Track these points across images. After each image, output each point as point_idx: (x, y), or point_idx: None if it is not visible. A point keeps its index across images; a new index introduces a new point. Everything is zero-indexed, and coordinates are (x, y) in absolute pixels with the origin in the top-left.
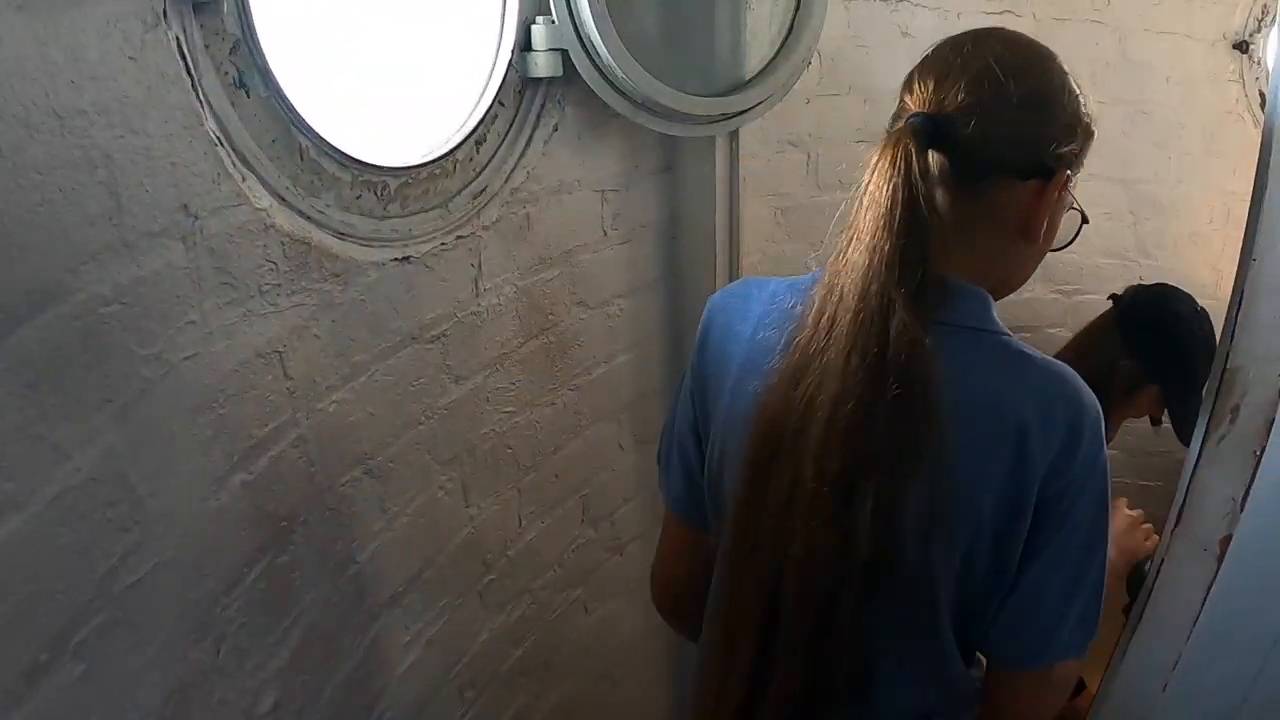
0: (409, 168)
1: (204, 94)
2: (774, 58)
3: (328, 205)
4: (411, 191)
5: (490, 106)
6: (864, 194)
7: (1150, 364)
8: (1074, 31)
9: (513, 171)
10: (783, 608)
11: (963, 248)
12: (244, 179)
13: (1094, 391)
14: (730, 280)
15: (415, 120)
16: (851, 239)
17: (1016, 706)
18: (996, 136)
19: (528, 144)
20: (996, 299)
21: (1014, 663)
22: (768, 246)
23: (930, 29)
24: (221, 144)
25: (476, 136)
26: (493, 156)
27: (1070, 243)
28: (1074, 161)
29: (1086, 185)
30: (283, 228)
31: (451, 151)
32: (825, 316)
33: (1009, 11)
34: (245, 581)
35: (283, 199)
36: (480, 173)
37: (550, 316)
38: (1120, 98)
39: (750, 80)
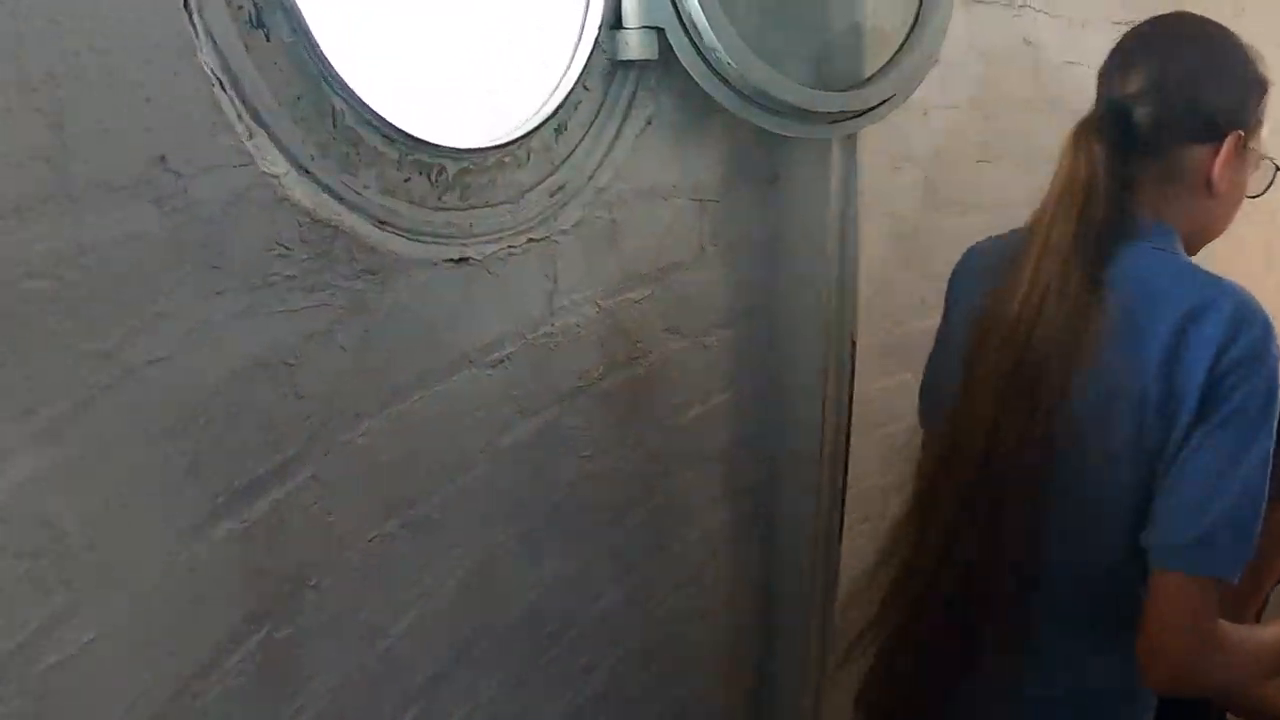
0: (472, 150)
1: (202, 20)
2: (897, 51)
3: (366, 186)
4: (474, 180)
5: (572, 90)
6: (1061, 168)
7: None
8: None
9: (598, 168)
10: (985, 478)
11: (1154, 203)
12: (251, 135)
13: None
14: (845, 308)
15: (485, 104)
16: (1049, 199)
17: (1155, 611)
18: (1171, 112)
19: (616, 136)
20: (1195, 247)
21: (1157, 555)
22: (878, 272)
23: (1053, 39)
24: (223, 87)
25: (556, 123)
26: (575, 148)
27: (1265, 190)
28: (1247, 120)
29: None
30: (301, 203)
31: (525, 137)
32: (1024, 253)
33: (1134, 23)
34: (230, 661)
35: (304, 169)
36: (559, 166)
37: (639, 344)
38: None
39: (871, 78)
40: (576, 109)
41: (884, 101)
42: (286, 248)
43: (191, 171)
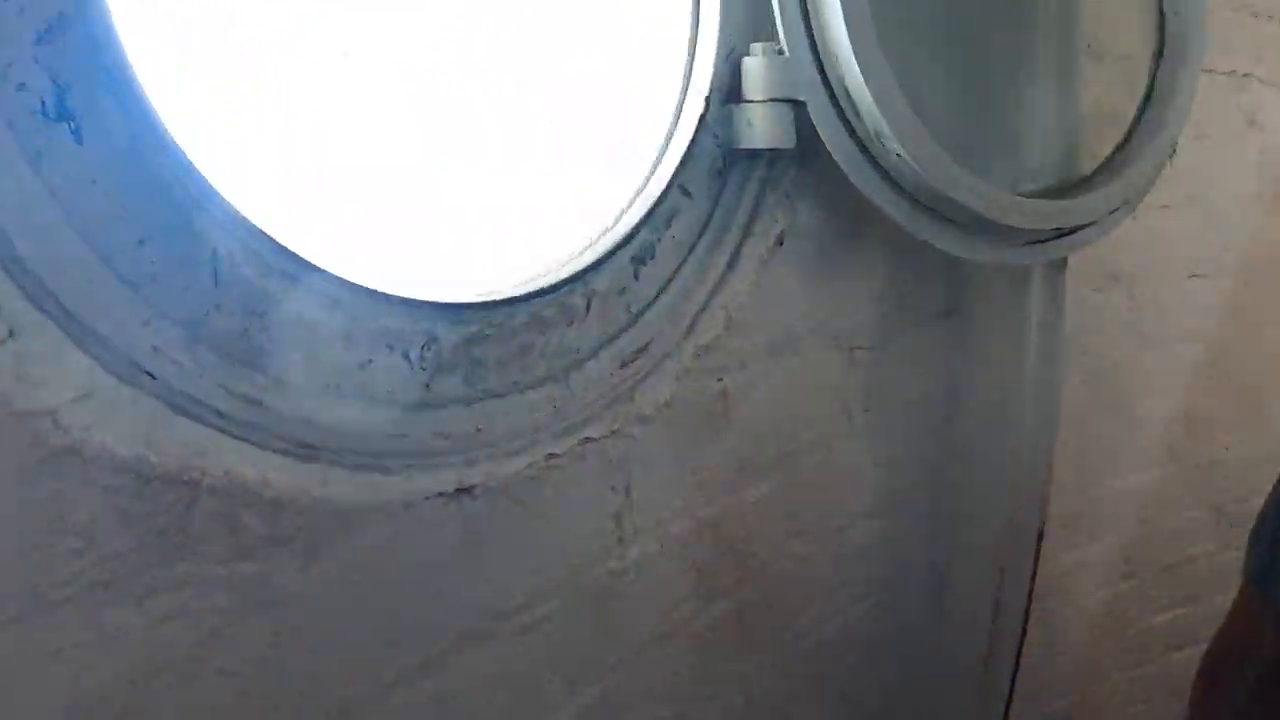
0: (490, 305)
1: None
2: (1126, 140)
3: (280, 381)
4: (492, 352)
5: (664, 195)
6: None
7: None
8: None
9: (701, 314)
10: None
11: None
12: (10, 333)
13: None
14: (1036, 482)
15: (510, 225)
16: None
17: None
18: None
19: (730, 265)
20: None
21: None
22: (1071, 421)
23: None
24: None
25: (636, 249)
26: (665, 286)
27: None
28: None
29: None
30: (117, 451)
31: (583, 274)
32: None
33: None
34: None
35: (145, 373)
36: (639, 316)
37: (750, 561)
38: None
39: (1092, 177)
40: (670, 225)
41: (1114, 210)
42: (79, 536)
43: None
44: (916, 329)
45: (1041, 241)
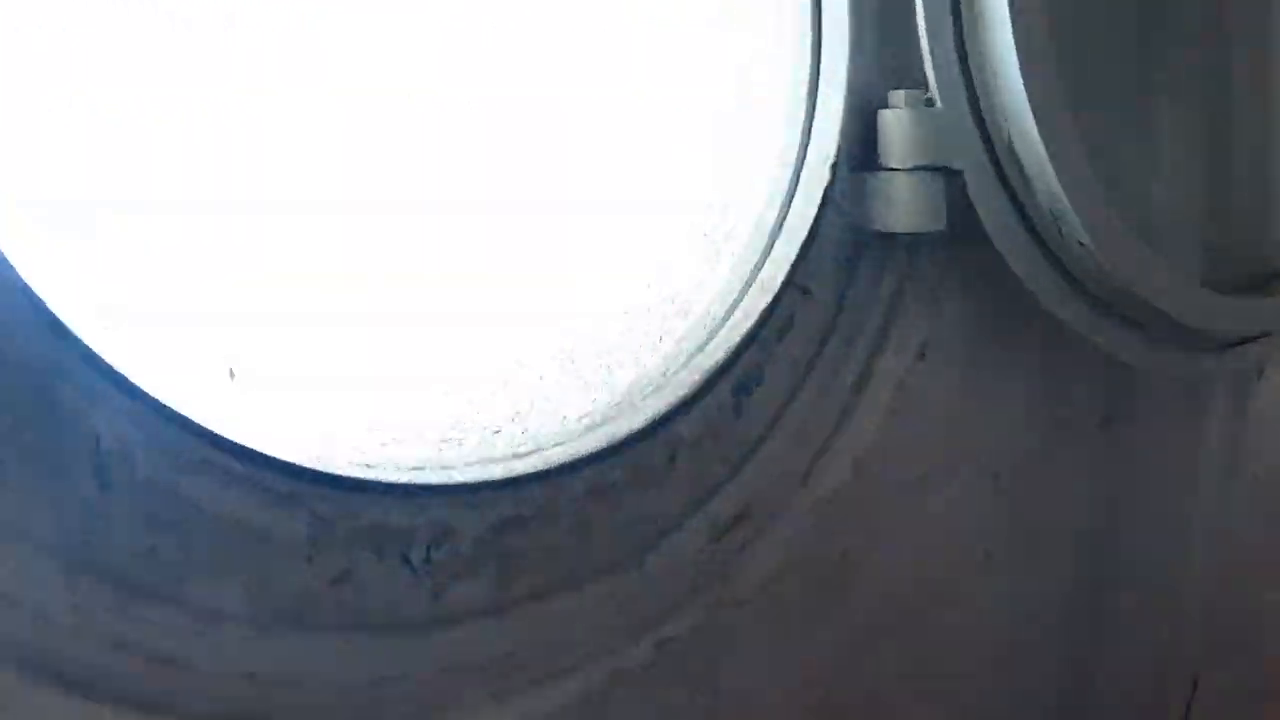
0: (522, 479)
1: None
2: None
3: (201, 623)
4: (533, 541)
5: (776, 300)
6: None
7: None
8: None
9: (820, 457)
10: None
11: None
12: None
13: None
14: (1206, 627)
15: (553, 360)
16: None
17: None
18: None
19: (858, 387)
20: None
21: None
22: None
23: None
24: None
25: (738, 377)
26: (775, 424)
27: None
28: None
29: None
30: None
31: (666, 418)
32: None
33: None
34: None
35: None
36: (741, 466)
37: None
38: None
39: None
40: (782, 338)
41: None
42: None
43: None
44: (1070, 444)
45: (1249, 342)
